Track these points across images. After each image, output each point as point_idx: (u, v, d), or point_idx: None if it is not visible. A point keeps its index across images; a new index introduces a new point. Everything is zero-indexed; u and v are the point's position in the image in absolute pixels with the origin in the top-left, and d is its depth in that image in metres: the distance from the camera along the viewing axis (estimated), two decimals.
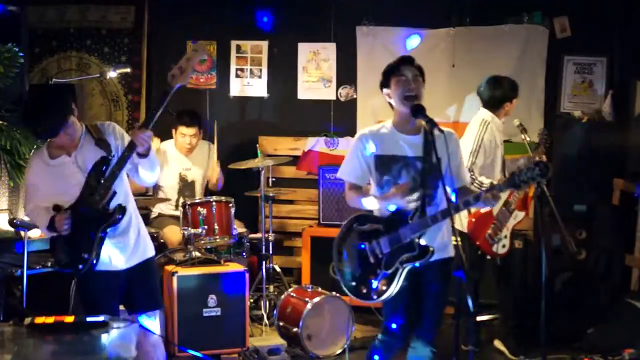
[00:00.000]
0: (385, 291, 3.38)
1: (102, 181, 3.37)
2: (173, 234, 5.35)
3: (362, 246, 3.45)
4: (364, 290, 3.44)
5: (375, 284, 3.40)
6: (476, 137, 4.69)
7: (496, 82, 4.82)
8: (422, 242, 3.35)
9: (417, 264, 3.34)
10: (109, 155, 3.42)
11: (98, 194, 3.37)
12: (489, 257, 4.74)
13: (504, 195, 4.41)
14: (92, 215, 3.38)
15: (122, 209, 3.42)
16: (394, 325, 3.52)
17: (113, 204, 3.40)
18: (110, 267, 3.51)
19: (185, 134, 5.68)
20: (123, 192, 3.51)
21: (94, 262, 3.41)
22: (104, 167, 3.40)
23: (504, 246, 4.75)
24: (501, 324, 5.12)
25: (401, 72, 3.37)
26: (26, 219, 4.67)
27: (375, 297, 3.42)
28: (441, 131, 3.22)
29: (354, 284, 3.48)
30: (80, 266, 3.40)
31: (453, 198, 3.25)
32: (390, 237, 3.38)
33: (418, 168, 3.39)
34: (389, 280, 3.38)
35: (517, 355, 4.94)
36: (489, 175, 4.72)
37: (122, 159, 3.37)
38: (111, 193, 3.38)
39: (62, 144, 3.42)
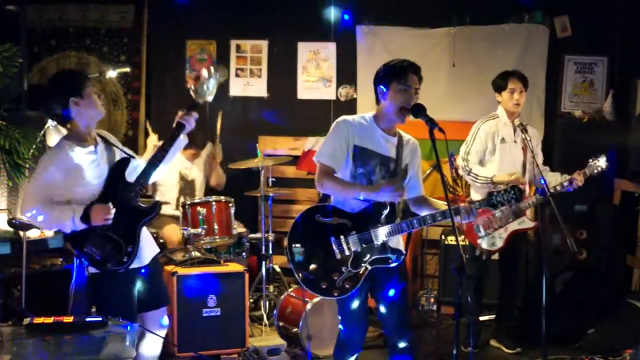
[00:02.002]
0: (347, 289, 3.34)
1: (139, 179, 3.46)
2: (173, 233, 5.35)
3: (330, 240, 3.34)
4: (324, 286, 3.35)
5: (338, 280, 3.34)
6: (474, 126, 4.83)
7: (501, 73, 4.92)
8: (392, 244, 3.36)
9: (387, 266, 3.34)
10: (130, 157, 3.53)
11: (133, 190, 3.43)
12: (478, 252, 4.75)
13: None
14: (131, 209, 3.42)
15: (159, 204, 3.53)
16: (355, 325, 3.47)
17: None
18: (139, 264, 3.50)
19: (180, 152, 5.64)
20: None
21: (134, 256, 3.40)
22: (125, 168, 3.49)
23: (493, 244, 4.76)
24: (496, 322, 5.12)
25: (407, 81, 3.31)
26: (25, 219, 4.67)
27: (335, 294, 3.36)
28: (442, 132, 3.21)
29: (311, 277, 3.37)
30: (125, 259, 3.37)
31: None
32: (361, 235, 3.33)
33: (390, 169, 3.40)
34: (354, 278, 3.34)
35: (514, 348, 4.94)
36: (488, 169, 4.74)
37: (168, 144, 3.50)
38: (141, 189, 3.49)
39: (80, 132, 3.40)
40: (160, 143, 3.63)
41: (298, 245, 3.38)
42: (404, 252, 3.43)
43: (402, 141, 3.46)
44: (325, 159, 3.39)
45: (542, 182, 4.39)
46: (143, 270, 3.54)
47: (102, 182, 3.43)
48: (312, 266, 3.36)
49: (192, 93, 3.63)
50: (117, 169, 3.48)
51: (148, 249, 3.59)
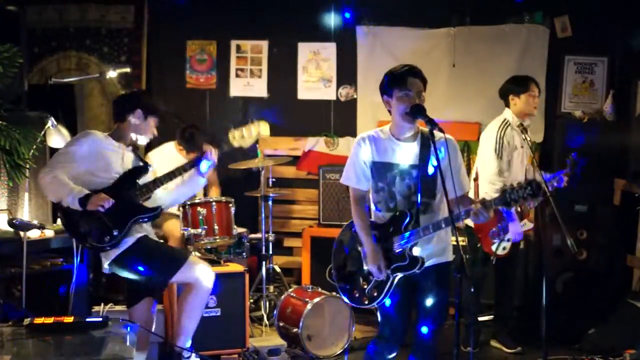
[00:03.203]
0: (375, 297, 3.41)
1: (151, 183, 3.97)
2: (174, 227, 5.35)
3: (359, 250, 3.46)
4: (357, 294, 3.48)
5: (367, 289, 3.43)
6: (496, 137, 4.70)
7: (509, 78, 4.89)
8: (415, 252, 3.35)
9: (409, 273, 3.34)
10: (148, 166, 4.04)
11: (139, 191, 3.93)
12: (493, 259, 4.74)
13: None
14: (132, 204, 3.89)
15: (160, 209, 4.01)
16: (389, 330, 3.51)
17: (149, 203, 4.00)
18: None
19: (182, 156, 5.65)
20: None
21: (121, 240, 3.82)
22: (139, 174, 3.98)
23: (504, 248, 4.74)
24: (496, 322, 5.12)
25: (407, 86, 3.28)
26: (25, 218, 4.67)
27: (366, 302, 3.45)
28: (442, 132, 3.21)
29: (347, 286, 3.52)
30: (107, 238, 3.79)
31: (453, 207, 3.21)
32: (384, 244, 3.38)
33: (413, 176, 3.36)
34: (380, 286, 3.39)
35: (514, 348, 4.94)
36: (505, 179, 4.68)
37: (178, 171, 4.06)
38: (150, 195, 3.99)
39: (124, 134, 3.97)
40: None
41: (339, 256, 3.60)
42: (434, 262, 3.38)
43: (428, 143, 3.29)
44: (348, 181, 3.50)
45: (546, 179, 4.38)
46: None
47: (116, 178, 3.89)
48: (346, 275, 3.54)
49: (235, 139, 4.22)
50: (132, 172, 3.96)
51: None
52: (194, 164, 4.07)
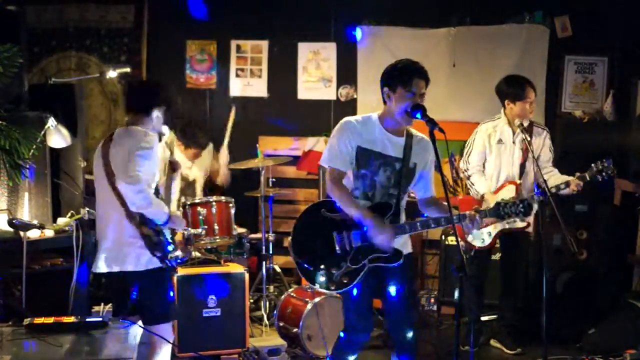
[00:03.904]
0: (345, 284, 3.37)
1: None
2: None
3: (332, 235, 3.37)
4: (322, 279, 3.39)
5: (336, 274, 3.36)
6: (473, 134, 4.89)
7: (506, 78, 4.93)
8: (395, 244, 3.36)
9: (387, 265, 3.35)
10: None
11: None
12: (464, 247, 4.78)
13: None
14: None
15: None
16: (356, 321, 3.49)
17: None
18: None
19: (185, 153, 5.64)
20: None
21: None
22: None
23: (482, 241, 4.80)
24: (497, 322, 5.12)
25: (412, 86, 3.29)
26: (25, 218, 4.67)
27: (332, 287, 3.39)
28: (443, 132, 3.21)
29: (311, 268, 3.40)
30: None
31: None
32: (363, 232, 3.34)
33: (396, 169, 3.39)
34: (352, 274, 3.36)
35: (514, 349, 4.94)
36: (489, 175, 4.76)
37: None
38: None
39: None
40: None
41: (301, 235, 3.42)
42: (405, 253, 3.42)
43: (412, 141, 3.42)
44: (331, 162, 3.41)
45: (535, 189, 4.46)
46: None
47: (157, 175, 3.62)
48: (313, 256, 3.39)
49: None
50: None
51: None
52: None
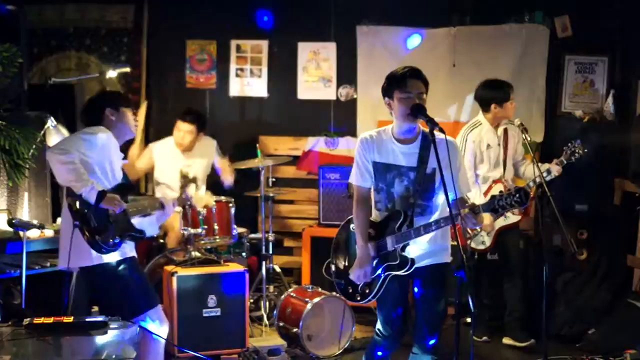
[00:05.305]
0: (367, 294, 3.47)
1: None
2: (173, 219, 5.32)
3: (355, 247, 3.50)
4: (350, 290, 3.55)
5: (360, 285, 3.49)
6: (461, 137, 4.93)
7: (486, 83, 5.02)
8: (407, 252, 3.38)
9: (400, 273, 3.37)
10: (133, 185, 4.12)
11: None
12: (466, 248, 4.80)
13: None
14: (126, 217, 3.75)
15: (144, 234, 3.91)
16: (383, 327, 3.54)
17: None
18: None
19: (180, 129, 5.65)
20: None
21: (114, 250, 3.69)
22: (131, 190, 3.92)
23: (482, 242, 4.87)
24: (506, 317, 5.13)
25: (407, 88, 3.28)
26: (25, 218, 4.66)
27: (358, 298, 3.52)
28: (443, 132, 3.21)
29: (342, 282, 3.59)
30: (111, 242, 3.64)
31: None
32: (378, 242, 3.42)
33: (411, 178, 3.38)
34: (371, 284, 3.44)
35: (527, 340, 4.94)
36: (482, 181, 4.90)
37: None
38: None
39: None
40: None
41: (337, 252, 3.68)
42: (415, 261, 3.39)
43: (428, 144, 3.29)
44: (356, 180, 3.52)
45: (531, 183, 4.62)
46: None
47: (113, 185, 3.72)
48: (342, 271, 3.60)
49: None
50: (127, 187, 3.84)
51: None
52: (163, 206, 4.00)
